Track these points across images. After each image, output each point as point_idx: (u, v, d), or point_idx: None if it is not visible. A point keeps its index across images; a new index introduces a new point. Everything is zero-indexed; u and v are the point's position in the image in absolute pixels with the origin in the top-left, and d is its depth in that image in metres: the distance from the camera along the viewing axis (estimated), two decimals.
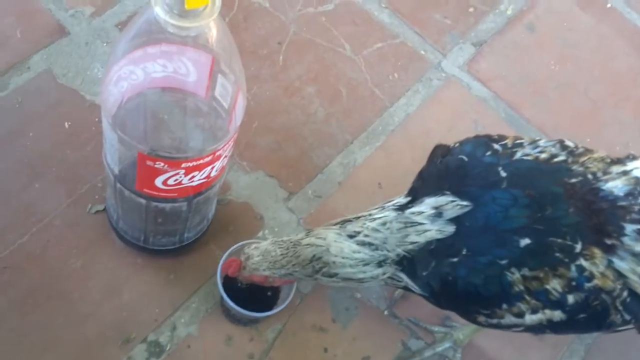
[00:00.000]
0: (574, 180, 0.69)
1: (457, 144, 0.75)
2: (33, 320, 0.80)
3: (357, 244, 0.72)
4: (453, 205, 0.68)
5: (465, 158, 0.72)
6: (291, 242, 0.76)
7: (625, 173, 0.71)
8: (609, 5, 1.24)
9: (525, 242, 0.66)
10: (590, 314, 0.68)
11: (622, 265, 0.67)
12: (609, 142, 1.10)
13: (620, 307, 0.68)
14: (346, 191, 0.98)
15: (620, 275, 0.67)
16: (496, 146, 0.73)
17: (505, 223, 0.67)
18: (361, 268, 0.73)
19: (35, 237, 0.85)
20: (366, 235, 0.72)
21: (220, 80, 0.65)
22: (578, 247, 0.66)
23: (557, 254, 0.66)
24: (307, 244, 0.74)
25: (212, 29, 0.59)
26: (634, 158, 0.73)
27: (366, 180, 0.99)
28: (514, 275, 0.66)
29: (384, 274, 0.72)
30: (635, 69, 1.19)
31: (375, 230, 0.71)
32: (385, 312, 0.89)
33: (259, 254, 0.76)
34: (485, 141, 0.74)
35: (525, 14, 1.20)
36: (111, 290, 0.83)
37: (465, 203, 0.68)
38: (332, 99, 1.05)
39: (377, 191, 0.98)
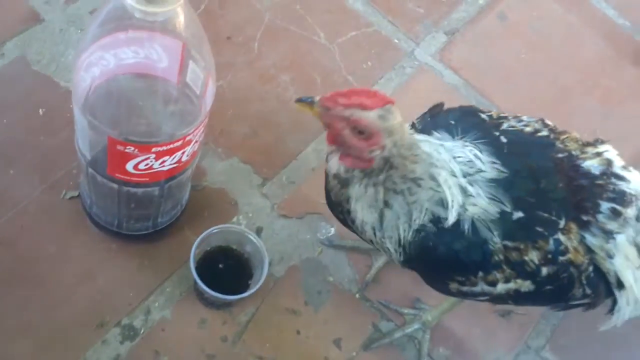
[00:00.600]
0: (560, 155, 0.72)
1: (445, 110, 0.76)
2: (8, 305, 0.81)
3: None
4: None
5: (453, 122, 0.73)
6: (417, 153, 0.67)
7: (598, 154, 0.74)
8: None
9: (518, 215, 0.67)
10: (557, 286, 0.71)
11: (592, 241, 0.70)
12: (577, 129, 1.08)
13: (585, 281, 0.71)
14: (320, 177, 0.97)
15: (589, 250, 0.70)
16: (483, 115, 0.75)
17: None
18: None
19: (10, 223, 0.85)
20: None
21: (191, 65, 0.66)
22: (562, 222, 0.68)
23: (540, 229, 0.68)
24: (428, 165, 0.67)
25: (179, 15, 0.60)
26: (603, 142, 0.77)
27: None
28: (497, 245, 0.67)
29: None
30: (603, 57, 1.21)
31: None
32: (357, 295, 0.91)
33: (401, 122, 0.65)
34: (473, 110, 0.77)
35: (496, 3, 1.22)
36: (86, 275, 0.84)
37: None
38: (306, 86, 1.06)
39: None
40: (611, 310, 0.75)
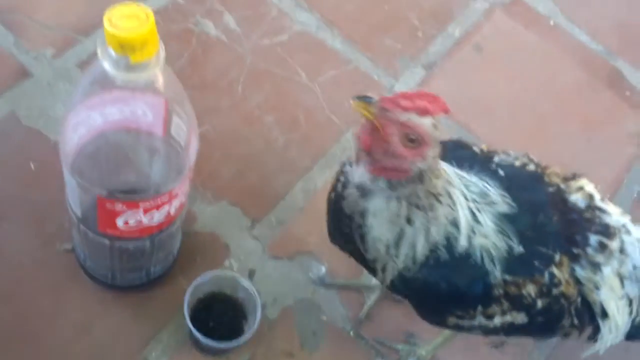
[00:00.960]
0: (550, 189, 0.74)
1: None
2: None
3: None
4: None
5: (448, 154, 0.72)
6: (439, 168, 0.66)
7: (580, 188, 0.76)
8: (552, 23, 1.30)
9: (519, 249, 0.69)
10: (547, 318, 0.72)
11: (581, 273, 0.72)
12: (558, 155, 1.13)
13: (573, 312, 0.73)
14: (308, 216, 1.01)
15: (578, 282, 0.72)
16: (475, 148, 0.77)
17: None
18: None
19: (5, 278, 0.86)
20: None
21: (175, 119, 0.68)
22: (557, 257, 0.70)
23: (537, 263, 0.69)
24: (445, 182, 0.66)
25: (159, 76, 0.62)
26: (580, 176, 0.78)
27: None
28: (497, 279, 0.69)
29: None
30: (580, 83, 1.25)
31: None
32: (351, 333, 0.92)
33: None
34: (462, 143, 0.78)
35: (471, 35, 1.25)
36: (82, 328, 0.85)
37: None
38: (290, 126, 1.09)
39: None
40: (594, 338, 0.77)
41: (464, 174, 0.71)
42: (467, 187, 0.69)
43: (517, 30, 1.28)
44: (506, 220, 0.69)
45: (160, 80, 0.63)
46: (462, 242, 0.67)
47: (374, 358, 0.91)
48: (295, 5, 1.20)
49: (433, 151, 0.62)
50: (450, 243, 0.67)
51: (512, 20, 1.29)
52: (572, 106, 1.22)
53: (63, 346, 0.84)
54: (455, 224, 0.67)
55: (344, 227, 0.71)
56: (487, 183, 0.71)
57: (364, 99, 0.61)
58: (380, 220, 0.66)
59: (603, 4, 1.35)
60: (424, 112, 0.59)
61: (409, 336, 0.93)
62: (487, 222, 0.68)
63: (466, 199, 0.68)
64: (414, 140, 0.60)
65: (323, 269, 0.96)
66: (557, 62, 1.26)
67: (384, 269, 0.71)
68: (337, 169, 1.03)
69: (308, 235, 0.99)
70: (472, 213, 0.68)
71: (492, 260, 0.68)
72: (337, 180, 0.72)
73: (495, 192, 0.70)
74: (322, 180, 1.05)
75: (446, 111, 0.61)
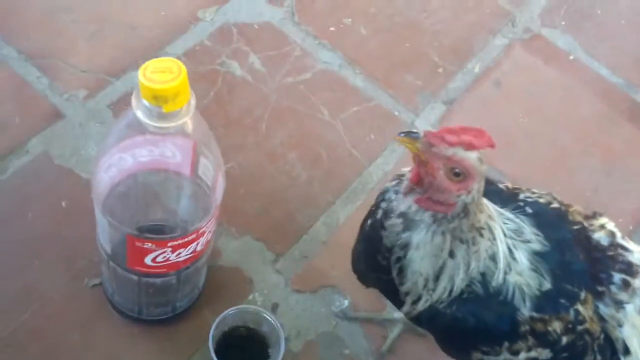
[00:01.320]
0: (575, 227, 0.75)
1: None
2: None
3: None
4: None
5: None
6: (482, 202, 0.66)
7: (602, 226, 0.77)
8: (571, 57, 1.32)
9: (547, 286, 0.69)
10: (571, 354, 0.72)
11: (605, 310, 0.72)
12: (580, 188, 1.15)
13: (596, 349, 0.73)
14: (331, 250, 1.03)
15: (601, 319, 0.72)
16: (500, 185, 0.78)
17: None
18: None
19: (36, 314, 0.89)
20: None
21: (202, 160, 0.71)
22: (582, 294, 0.71)
23: (564, 300, 0.70)
24: (487, 217, 0.67)
25: (189, 122, 0.65)
26: (600, 215, 0.79)
27: (350, 238, 1.01)
28: (524, 316, 0.69)
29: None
30: (599, 115, 1.25)
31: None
32: None
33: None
34: (487, 179, 0.76)
35: (491, 71, 1.27)
36: None
37: None
38: (313, 162, 1.11)
39: None
40: None
41: (501, 210, 0.72)
42: (505, 223, 0.70)
43: (536, 65, 1.30)
44: (539, 258, 0.70)
45: (190, 126, 0.66)
46: (499, 278, 0.67)
47: None
48: (318, 44, 1.24)
49: (478, 185, 0.62)
50: (485, 278, 0.68)
51: (531, 56, 1.31)
52: (593, 139, 1.22)
53: None
54: (493, 258, 0.67)
55: (381, 258, 0.71)
56: (522, 220, 0.71)
57: (410, 135, 0.62)
58: (422, 253, 0.67)
59: (623, 39, 1.36)
60: (469, 146, 0.60)
61: None
62: (523, 259, 0.69)
63: (504, 234, 0.69)
64: (460, 174, 0.61)
65: (346, 302, 0.97)
66: (577, 95, 1.27)
67: (415, 302, 0.71)
68: (359, 203, 1.07)
69: (331, 269, 1.00)
70: (509, 249, 0.69)
71: (523, 298, 0.69)
72: (377, 207, 0.72)
73: (529, 230, 0.71)
74: (344, 214, 1.06)
75: (492, 145, 0.61)
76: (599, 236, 0.75)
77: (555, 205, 0.77)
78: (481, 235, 0.66)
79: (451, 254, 0.66)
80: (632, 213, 1.13)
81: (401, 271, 0.69)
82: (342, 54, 1.24)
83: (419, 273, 0.68)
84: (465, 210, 0.64)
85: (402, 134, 0.62)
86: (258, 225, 1.03)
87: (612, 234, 0.76)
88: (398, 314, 0.95)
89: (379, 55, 1.25)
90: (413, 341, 0.95)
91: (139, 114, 0.62)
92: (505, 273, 0.68)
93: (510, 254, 0.69)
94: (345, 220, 1.06)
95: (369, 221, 0.74)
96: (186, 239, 0.71)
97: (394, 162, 1.13)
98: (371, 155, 1.14)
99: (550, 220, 0.74)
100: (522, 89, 1.26)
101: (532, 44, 1.32)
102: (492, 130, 1.18)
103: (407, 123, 1.18)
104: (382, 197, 0.72)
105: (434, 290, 0.69)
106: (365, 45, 1.26)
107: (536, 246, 0.70)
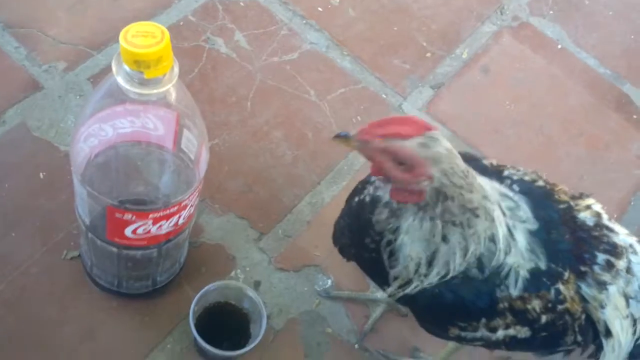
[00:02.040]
0: (561, 206, 0.74)
1: None
2: None
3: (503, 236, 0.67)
4: None
5: None
6: (472, 182, 0.64)
7: (588, 207, 0.76)
8: (559, 47, 1.32)
9: (542, 267, 0.68)
10: (551, 333, 0.72)
11: (587, 291, 0.72)
12: (565, 175, 1.15)
13: (577, 329, 0.72)
14: (315, 230, 1.01)
15: (583, 299, 0.72)
16: (485, 162, 0.77)
17: None
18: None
19: (12, 285, 0.87)
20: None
21: (186, 133, 0.69)
22: (566, 274, 0.70)
23: (546, 279, 0.69)
24: (481, 197, 0.65)
25: (172, 91, 0.63)
26: (587, 196, 0.78)
27: (334, 219, 1.01)
28: (503, 293, 0.68)
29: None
30: (586, 105, 1.25)
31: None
32: (356, 346, 0.92)
33: (448, 148, 0.61)
34: (470, 155, 0.76)
35: (480, 57, 1.27)
36: (88, 335, 0.85)
37: None
38: (298, 142, 1.10)
39: None
40: (596, 356, 0.76)
41: (499, 186, 0.70)
42: (503, 200, 0.69)
43: (524, 53, 1.30)
44: (534, 238, 0.69)
45: (172, 95, 0.64)
46: (500, 259, 0.66)
47: None
48: (305, 24, 1.22)
49: (439, 168, 0.61)
50: (481, 262, 0.66)
51: (519, 44, 1.31)
52: (579, 128, 1.22)
53: (68, 352, 0.83)
54: (493, 239, 0.66)
55: (369, 241, 0.70)
56: (520, 199, 0.70)
57: (343, 135, 0.63)
58: (412, 238, 0.66)
59: (610, 30, 1.37)
60: (397, 136, 0.60)
61: (414, 350, 0.92)
62: (521, 239, 0.68)
63: (504, 215, 0.67)
64: (404, 163, 0.61)
65: (329, 282, 0.96)
66: (564, 85, 1.27)
67: (402, 286, 0.69)
68: (344, 184, 1.06)
69: (314, 248, 0.99)
70: (509, 229, 0.67)
71: (517, 279, 0.68)
72: (364, 186, 0.71)
73: (525, 208, 0.70)
74: (329, 195, 1.05)
75: (428, 129, 0.61)
76: (585, 216, 0.74)
77: (540, 183, 0.76)
78: (476, 215, 0.64)
79: (444, 239, 0.65)
80: (617, 202, 1.14)
81: (392, 254, 0.68)
82: (329, 35, 1.22)
83: (409, 257, 0.67)
84: (443, 194, 0.62)
85: (335, 137, 0.63)
86: (242, 203, 1.01)
87: (598, 215, 0.75)
88: (381, 294, 0.94)
89: (366, 38, 1.24)
90: (395, 321, 0.94)
91: (120, 80, 0.59)
92: (506, 254, 0.67)
93: (510, 234, 0.67)
94: (330, 200, 1.04)
95: (356, 199, 0.72)
96: (168, 212, 0.69)
97: None
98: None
99: (537, 199, 0.73)
100: (509, 76, 1.26)
101: (520, 32, 1.32)
102: (479, 116, 1.19)
103: (394, 106, 1.17)
104: (369, 178, 0.71)
105: (426, 275, 0.67)
106: (353, 27, 1.25)
107: (531, 226, 0.69)
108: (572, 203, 0.75)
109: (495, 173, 0.75)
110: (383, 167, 0.62)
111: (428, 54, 1.25)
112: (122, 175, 0.69)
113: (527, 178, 0.76)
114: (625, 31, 1.37)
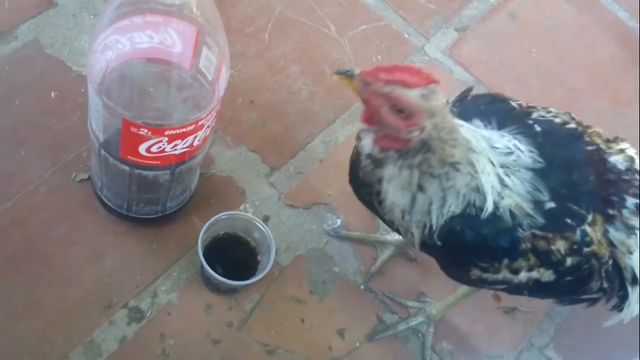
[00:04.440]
0: (589, 148, 0.72)
1: (473, 96, 0.75)
2: (16, 283, 0.81)
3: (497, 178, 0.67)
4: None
5: (483, 107, 0.72)
6: (456, 137, 0.64)
7: (622, 150, 0.74)
8: None
9: (550, 205, 0.66)
10: (576, 278, 0.70)
11: (615, 235, 0.70)
12: None
13: (603, 274, 0.71)
14: (327, 168, 1.00)
15: (611, 244, 0.70)
16: (513, 103, 0.75)
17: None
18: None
19: (20, 203, 0.86)
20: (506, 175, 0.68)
21: (205, 52, 0.67)
22: (590, 217, 0.68)
23: (569, 220, 0.67)
24: (465, 150, 0.65)
25: (196, 0, 0.60)
26: (622, 140, 0.77)
27: (346, 159, 0.99)
28: (525, 233, 0.66)
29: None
30: (613, 59, 1.22)
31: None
32: (362, 287, 0.91)
33: (444, 103, 0.63)
34: (501, 97, 0.75)
35: (508, 1, 1.22)
36: (94, 257, 0.85)
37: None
38: (316, 78, 1.07)
39: None
40: (619, 306, 0.75)
41: (492, 133, 0.69)
42: (494, 149, 0.67)
43: (554, 1, 1.25)
44: (535, 174, 0.67)
45: (196, 4, 0.61)
46: (489, 208, 0.65)
47: (383, 312, 0.90)
48: None
49: (432, 121, 0.61)
50: (473, 208, 0.66)
51: None
52: (604, 82, 1.19)
53: (73, 271, 0.83)
54: (478, 190, 0.65)
55: (365, 195, 0.72)
56: (519, 140, 0.69)
57: (345, 73, 0.62)
58: (394, 185, 0.67)
59: None
60: (403, 83, 0.60)
61: (420, 295, 0.92)
62: (517, 182, 0.66)
63: (493, 164, 0.66)
64: (403, 111, 0.61)
65: (338, 221, 0.95)
66: (593, 36, 1.23)
67: (406, 233, 0.70)
68: (359, 124, 1.04)
69: (325, 187, 0.97)
70: (499, 178, 0.66)
71: (527, 213, 0.66)
72: (354, 152, 0.72)
73: (523, 148, 0.68)
74: (343, 134, 1.03)
75: (433, 82, 0.61)
76: (616, 159, 0.72)
77: (572, 125, 0.74)
78: (456, 169, 0.64)
79: (420, 188, 0.65)
80: None
81: (381, 203, 0.69)
82: None
83: (395, 204, 0.68)
84: (427, 146, 0.63)
85: (338, 72, 0.63)
86: (254, 137, 0.99)
87: (631, 159, 0.73)
88: (390, 237, 0.93)
89: None
90: (403, 265, 0.94)
91: None
92: (497, 202, 0.66)
93: (500, 182, 0.66)
94: (344, 140, 1.02)
95: (353, 157, 0.73)
96: (184, 130, 0.67)
97: None
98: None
99: (560, 140, 0.71)
100: (537, 23, 1.22)
101: None
102: (503, 62, 1.16)
103: (416, 47, 1.13)
104: (358, 135, 0.71)
105: (410, 221, 0.68)
106: None
107: (529, 164, 0.67)
108: (603, 146, 0.73)
109: (522, 115, 0.73)
110: (378, 112, 0.62)
111: None
112: (137, 91, 0.67)
113: (557, 120, 0.74)
114: None
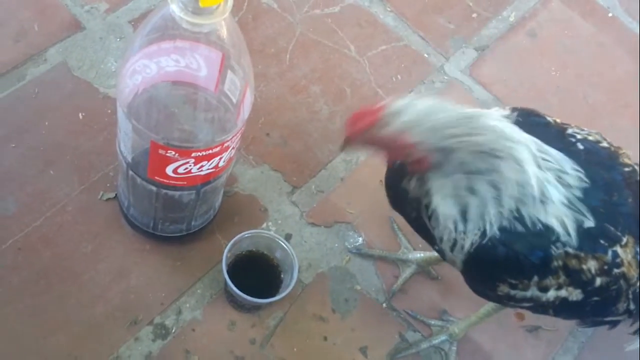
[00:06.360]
0: (626, 169, 0.71)
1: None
2: (45, 300, 0.83)
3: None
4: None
5: (521, 119, 0.71)
6: (464, 115, 0.63)
7: None
8: (610, 15, 1.27)
9: (589, 224, 0.66)
10: (603, 298, 0.70)
11: None
12: None
13: (631, 296, 0.70)
14: (348, 187, 1.01)
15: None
16: (548, 118, 0.74)
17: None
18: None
19: (49, 221, 0.88)
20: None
21: (230, 76, 0.68)
22: (625, 238, 0.68)
23: (603, 241, 0.67)
24: (496, 138, 0.63)
25: (223, 26, 0.62)
26: None
27: (367, 177, 1.02)
28: (559, 251, 0.66)
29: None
30: (633, 76, 1.22)
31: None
32: (384, 305, 0.92)
33: (414, 114, 0.62)
34: (535, 111, 0.74)
35: (527, 20, 1.23)
36: (120, 274, 0.86)
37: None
38: (336, 97, 1.08)
39: (378, 188, 1.00)
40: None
41: (538, 141, 0.67)
42: (541, 152, 0.66)
43: (573, 20, 1.25)
44: (581, 194, 0.66)
45: (223, 30, 0.63)
46: (538, 208, 0.64)
47: (405, 330, 0.90)
48: None
49: (418, 132, 0.62)
50: (520, 212, 0.64)
51: (569, 9, 1.26)
52: (625, 100, 1.19)
53: (100, 288, 0.85)
54: (523, 185, 0.63)
55: (412, 211, 0.71)
56: (565, 155, 0.68)
57: (345, 146, 0.72)
58: (443, 195, 0.66)
59: None
60: (364, 128, 0.65)
61: (443, 313, 0.92)
62: (557, 194, 0.65)
63: (534, 160, 0.64)
64: (387, 145, 0.66)
65: (360, 239, 0.96)
66: (612, 54, 1.23)
67: (452, 249, 0.69)
68: None
69: (347, 205, 0.98)
70: (540, 180, 0.64)
71: (567, 231, 0.65)
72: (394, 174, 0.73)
73: (569, 167, 0.67)
74: (364, 153, 1.04)
75: (380, 110, 0.64)
76: None
77: (604, 144, 0.73)
78: (498, 157, 0.62)
79: (471, 191, 0.64)
80: None
81: (431, 217, 0.68)
82: None
83: (447, 216, 0.67)
84: (445, 150, 0.63)
85: (340, 149, 0.74)
86: (276, 156, 1.01)
87: None
88: (412, 255, 0.93)
89: None
90: (425, 283, 0.94)
91: (174, 7, 0.59)
92: (542, 202, 0.64)
93: (543, 185, 0.64)
94: (365, 158, 1.03)
95: (390, 170, 0.74)
96: (210, 151, 0.69)
97: None
98: (397, 95, 1.10)
99: (601, 159, 0.70)
100: (557, 42, 1.22)
101: None
102: (523, 81, 1.16)
103: (435, 66, 1.15)
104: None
105: (464, 232, 0.66)
106: None
107: (579, 184, 0.67)
108: (637, 167, 0.73)
109: (558, 131, 0.73)
110: (382, 152, 0.68)
111: (474, 15, 1.21)
112: (165, 114, 0.69)
113: (590, 138, 0.73)
114: None
